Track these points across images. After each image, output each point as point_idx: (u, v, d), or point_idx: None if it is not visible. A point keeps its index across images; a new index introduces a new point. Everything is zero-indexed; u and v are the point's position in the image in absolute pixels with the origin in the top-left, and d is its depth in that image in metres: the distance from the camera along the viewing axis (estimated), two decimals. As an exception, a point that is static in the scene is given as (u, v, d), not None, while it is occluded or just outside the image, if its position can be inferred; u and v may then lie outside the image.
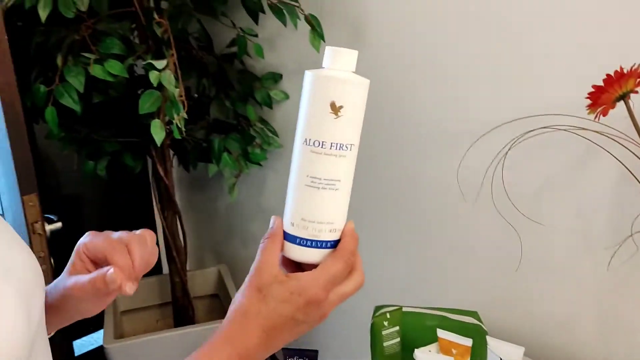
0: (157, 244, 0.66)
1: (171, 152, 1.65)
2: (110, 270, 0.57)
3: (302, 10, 1.34)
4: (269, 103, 1.61)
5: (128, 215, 2.14)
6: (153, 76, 1.20)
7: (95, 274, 0.58)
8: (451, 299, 1.33)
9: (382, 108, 1.38)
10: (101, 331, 1.68)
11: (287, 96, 1.62)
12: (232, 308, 0.55)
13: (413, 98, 1.31)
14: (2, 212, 1.16)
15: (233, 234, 2.07)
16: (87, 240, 0.62)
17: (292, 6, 1.34)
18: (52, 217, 1.23)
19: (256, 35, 1.53)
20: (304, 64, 1.54)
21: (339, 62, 0.54)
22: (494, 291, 1.25)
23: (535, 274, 1.15)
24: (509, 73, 1.10)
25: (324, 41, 1.36)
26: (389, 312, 1.12)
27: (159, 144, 1.28)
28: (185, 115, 1.27)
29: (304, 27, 1.37)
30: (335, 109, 0.53)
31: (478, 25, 1.14)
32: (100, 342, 1.68)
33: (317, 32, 1.34)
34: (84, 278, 0.59)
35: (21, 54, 1.21)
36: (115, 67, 1.25)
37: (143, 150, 1.61)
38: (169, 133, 1.32)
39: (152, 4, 1.37)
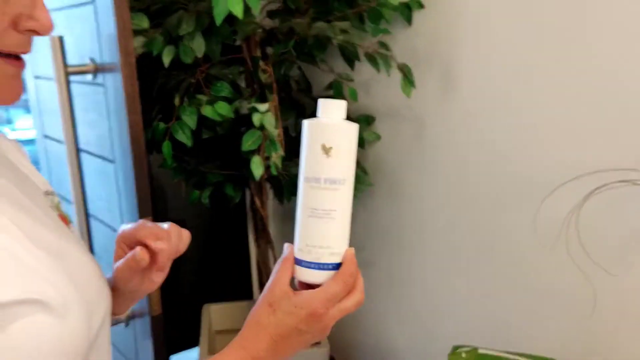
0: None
1: (268, 186, 1.77)
2: (137, 248, 0.67)
3: (395, 59, 1.43)
4: (361, 143, 1.70)
5: (225, 241, 2.29)
6: (256, 118, 1.33)
7: (128, 255, 0.69)
8: (527, 343, 1.33)
9: (469, 155, 1.42)
10: (196, 348, 1.81)
11: (378, 137, 1.71)
12: (248, 319, 0.65)
13: (497, 146, 1.35)
14: (123, 232, 1.32)
15: (321, 265, 2.15)
16: (121, 230, 0.73)
17: (386, 55, 1.43)
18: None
19: (352, 80, 1.63)
20: (396, 107, 1.63)
21: (328, 111, 0.63)
22: (569, 338, 1.24)
23: (612, 323, 1.14)
24: (589, 126, 1.12)
25: (415, 87, 1.44)
26: (465, 351, 1.15)
27: (257, 178, 1.40)
28: (283, 154, 1.39)
29: (396, 73, 1.45)
30: (326, 149, 0.62)
31: (562, 79, 1.17)
32: (195, 358, 1.81)
33: (408, 79, 1.42)
34: (121, 262, 0.70)
35: (145, 94, 1.39)
36: (223, 108, 1.40)
37: (242, 183, 1.75)
38: (267, 168, 1.44)
39: (259, 53, 1.52)
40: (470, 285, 1.49)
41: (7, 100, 0.55)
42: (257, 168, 1.39)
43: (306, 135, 0.63)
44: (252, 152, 1.43)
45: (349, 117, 1.88)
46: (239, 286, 2.30)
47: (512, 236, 1.34)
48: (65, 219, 0.69)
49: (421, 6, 1.48)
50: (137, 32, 1.33)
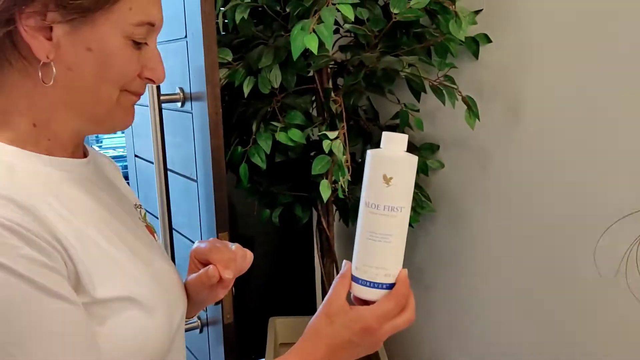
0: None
1: (334, 208, 1.86)
2: (210, 267, 0.76)
3: (460, 92, 1.50)
4: (425, 170, 1.76)
5: (292, 258, 2.39)
6: (326, 144, 1.42)
7: (201, 271, 0.77)
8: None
9: (531, 185, 1.46)
10: None
11: (442, 165, 1.77)
12: (307, 328, 0.72)
13: (559, 178, 1.38)
14: (203, 245, 1.44)
15: (383, 287, 2.21)
16: (195, 247, 0.82)
17: (451, 88, 1.50)
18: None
19: (417, 110, 1.71)
20: (460, 137, 1.68)
21: (391, 144, 0.69)
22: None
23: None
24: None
25: (479, 120, 1.50)
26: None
27: (325, 201, 1.50)
28: (350, 178, 1.47)
29: (462, 104, 1.52)
30: (386, 179, 0.68)
31: (627, 112, 1.20)
32: (260, 369, 1.90)
33: (472, 111, 1.48)
34: (194, 275, 0.79)
35: (225, 121, 1.52)
36: (296, 135, 1.51)
37: (311, 204, 1.84)
38: (334, 191, 1.53)
39: (330, 84, 1.63)
40: (528, 315, 1.52)
41: (125, 125, 0.67)
42: (325, 191, 1.48)
43: (369, 164, 0.70)
44: (321, 176, 1.53)
45: (414, 145, 1.99)
46: (303, 301, 2.39)
47: (572, 267, 1.37)
48: (151, 230, 0.81)
49: (489, 41, 1.54)
50: (221, 65, 1.47)
